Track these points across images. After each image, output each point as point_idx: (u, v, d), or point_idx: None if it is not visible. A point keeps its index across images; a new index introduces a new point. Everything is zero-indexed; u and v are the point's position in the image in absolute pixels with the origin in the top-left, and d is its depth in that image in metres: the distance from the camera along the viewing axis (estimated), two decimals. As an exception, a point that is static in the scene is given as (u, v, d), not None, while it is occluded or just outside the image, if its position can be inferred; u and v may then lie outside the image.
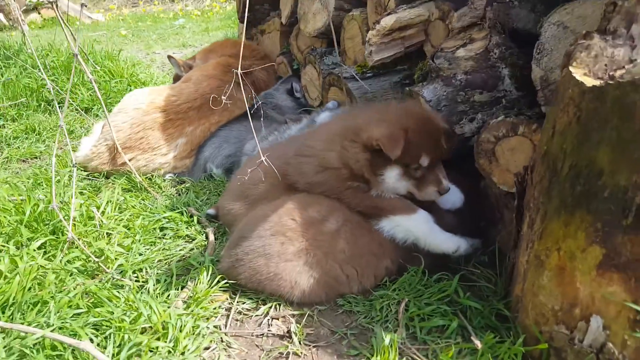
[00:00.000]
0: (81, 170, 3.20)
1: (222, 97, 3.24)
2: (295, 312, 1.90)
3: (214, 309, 1.88)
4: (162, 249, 2.24)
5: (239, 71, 2.35)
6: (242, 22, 4.56)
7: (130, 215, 2.46)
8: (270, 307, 1.91)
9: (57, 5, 2.36)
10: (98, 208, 2.34)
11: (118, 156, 3.17)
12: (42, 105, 4.77)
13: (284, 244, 1.92)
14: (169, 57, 4.38)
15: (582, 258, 1.38)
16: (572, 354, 1.47)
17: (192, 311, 1.75)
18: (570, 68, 1.36)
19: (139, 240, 2.25)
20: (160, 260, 2.15)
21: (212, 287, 1.89)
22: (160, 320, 1.60)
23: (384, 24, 2.42)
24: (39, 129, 4.14)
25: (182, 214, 2.58)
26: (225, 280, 1.94)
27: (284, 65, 4.08)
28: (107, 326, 1.65)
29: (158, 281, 1.97)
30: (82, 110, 4.54)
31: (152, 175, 3.20)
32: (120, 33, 9.02)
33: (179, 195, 2.96)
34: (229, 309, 1.91)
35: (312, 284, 1.92)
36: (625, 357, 1.37)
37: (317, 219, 1.98)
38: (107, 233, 2.28)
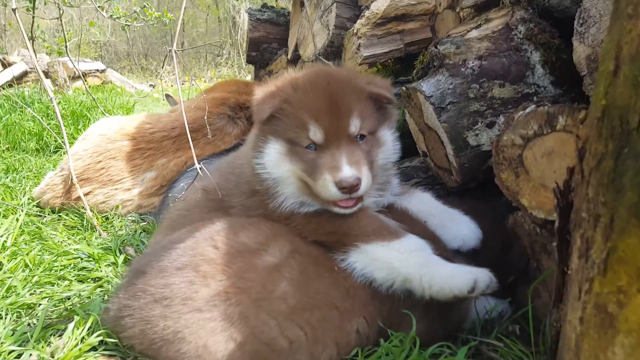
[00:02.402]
0: (33, 205, 2.73)
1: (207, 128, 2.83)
2: (201, 397, 1.19)
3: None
4: (57, 293, 1.62)
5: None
6: (248, 62, 4.23)
7: (39, 250, 1.89)
8: (165, 386, 1.22)
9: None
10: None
11: (73, 189, 2.68)
12: (40, 149, 4.57)
13: (193, 284, 1.25)
14: (167, 95, 4.06)
15: (700, 307, 0.65)
16: None
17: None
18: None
19: (29, 279, 1.65)
20: (32, 307, 1.51)
21: (77, 347, 1.23)
22: None
23: (375, 9, 1.89)
24: (20, 168, 3.79)
25: (115, 253, 1.99)
26: (101, 339, 1.28)
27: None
28: None
29: (13, 333, 1.33)
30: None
31: (111, 214, 2.66)
32: (152, 96, 9.12)
33: (134, 234, 2.37)
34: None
35: (232, 351, 1.22)
36: None
37: (249, 247, 1.32)
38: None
